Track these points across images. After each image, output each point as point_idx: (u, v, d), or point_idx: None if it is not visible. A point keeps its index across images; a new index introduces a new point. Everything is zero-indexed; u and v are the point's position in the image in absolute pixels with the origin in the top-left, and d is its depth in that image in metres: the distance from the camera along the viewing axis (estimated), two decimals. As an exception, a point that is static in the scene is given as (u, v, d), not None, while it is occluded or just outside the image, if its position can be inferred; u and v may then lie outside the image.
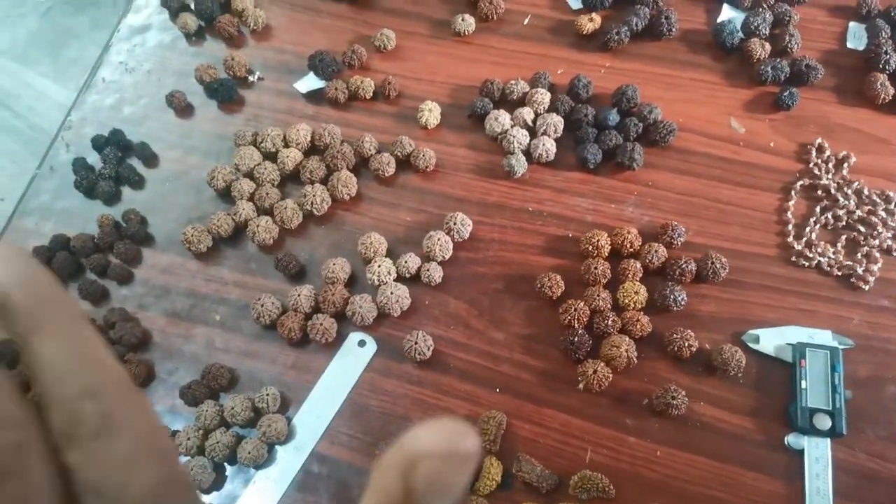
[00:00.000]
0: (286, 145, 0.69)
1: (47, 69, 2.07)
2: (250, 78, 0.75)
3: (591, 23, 0.72)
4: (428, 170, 0.68)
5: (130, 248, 0.67)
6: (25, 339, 0.19)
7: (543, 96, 0.69)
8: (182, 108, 0.74)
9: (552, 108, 0.69)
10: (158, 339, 0.64)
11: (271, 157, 0.69)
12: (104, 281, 0.67)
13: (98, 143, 0.72)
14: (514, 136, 0.67)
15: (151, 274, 0.67)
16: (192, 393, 0.60)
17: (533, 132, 0.68)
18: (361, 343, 0.62)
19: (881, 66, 0.66)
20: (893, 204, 0.62)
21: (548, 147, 0.67)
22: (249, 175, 0.69)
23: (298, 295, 0.62)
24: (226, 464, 0.59)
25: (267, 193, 0.67)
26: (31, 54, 2.09)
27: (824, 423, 0.54)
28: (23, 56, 2.10)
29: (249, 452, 0.57)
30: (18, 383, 0.21)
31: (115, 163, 0.71)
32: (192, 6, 0.79)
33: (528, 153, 0.68)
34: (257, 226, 0.65)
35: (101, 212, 0.69)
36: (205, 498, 0.57)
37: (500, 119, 0.68)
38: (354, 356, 0.62)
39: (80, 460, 0.19)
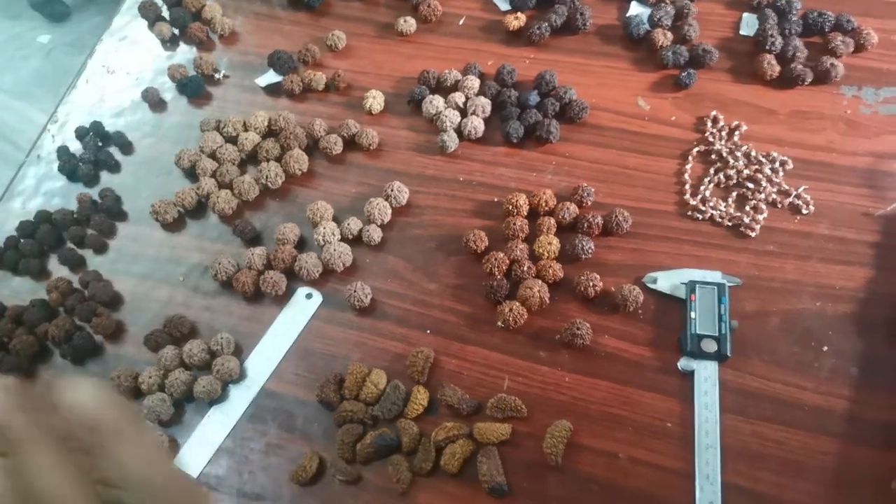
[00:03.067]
0: (245, 130, 0.78)
1: (49, 106, 2.18)
2: (216, 75, 0.84)
3: (517, 21, 0.81)
4: (371, 148, 0.77)
5: (105, 221, 0.75)
6: (100, 447, 0.26)
7: (473, 82, 0.78)
8: (155, 102, 0.84)
9: (481, 92, 0.78)
10: (128, 297, 0.72)
11: (232, 140, 0.78)
12: (82, 250, 0.75)
13: (80, 133, 0.81)
14: (446, 117, 0.76)
15: (124, 243, 0.75)
16: (155, 339, 0.67)
17: (464, 113, 0.77)
18: (308, 296, 0.69)
19: (768, 47, 0.75)
20: (777, 163, 0.70)
21: (476, 125, 0.75)
22: (212, 156, 0.77)
23: (252, 254, 0.70)
24: (185, 402, 0.66)
25: (227, 170, 0.75)
26: (34, 92, 2.21)
27: (711, 347, 0.61)
28: (26, 94, 2.22)
29: (204, 387, 0.64)
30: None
31: (95, 149, 0.80)
32: (167, 16, 0.89)
33: (459, 131, 0.76)
34: (218, 197, 0.73)
35: (82, 192, 0.78)
36: (165, 430, 0.64)
37: (435, 102, 0.77)
38: (302, 307, 0.69)
39: None
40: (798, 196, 0.68)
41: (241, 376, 0.66)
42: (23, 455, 0.26)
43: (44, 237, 0.74)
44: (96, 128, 0.81)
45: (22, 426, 0.26)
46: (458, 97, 0.77)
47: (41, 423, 0.26)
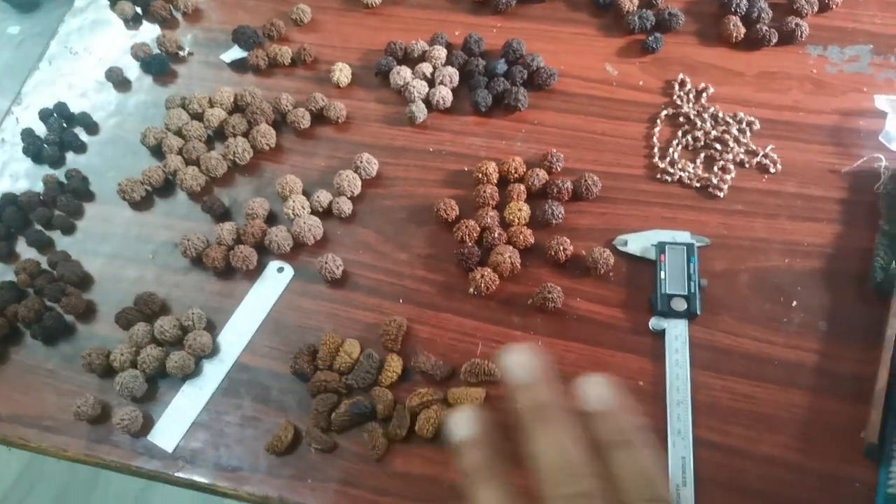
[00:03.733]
0: (211, 106, 0.77)
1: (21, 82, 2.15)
2: (181, 53, 0.83)
3: (483, -11, 0.81)
4: (340, 121, 0.76)
5: (72, 202, 0.74)
6: (610, 446, 0.29)
7: (440, 52, 0.77)
8: (120, 81, 0.82)
9: (448, 62, 0.77)
10: (98, 277, 0.71)
11: (198, 117, 0.77)
12: (49, 231, 0.74)
13: (44, 115, 0.80)
14: (414, 87, 0.75)
15: (92, 224, 0.74)
16: (126, 317, 0.66)
17: (432, 83, 0.77)
18: (280, 269, 0.69)
19: (733, 9, 0.75)
20: (745, 123, 0.70)
21: (444, 95, 0.75)
22: (178, 133, 0.76)
23: (221, 229, 0.69)
24: (158, 378, 0.65)
25: (194, 147, 0.74)
26: (4, 83, 2.18)
27: (680, 305, 0.62)
28: (-3, 86, 2.19)
29: (176, 362, 0.63)
30: None
31: (59, 130, 0.79)
32: (130, -6, 0.87)
33: (427, 102, 0.76)
34: (185, 174, 0.73)
35: (48, 173, 0.77)
36: (138, 406, 0.63)
37: (402, 73, 0.76)
38: (274, 281, 0.69)
39: None
40: (765, 155, 0.68)
41: (213, 351, 0.65)
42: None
43: (10, 219, 0.73)
44: (60, 109, 0.80)
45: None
46: (426, 67, 0.77)
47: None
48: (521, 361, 0.32)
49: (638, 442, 0.29)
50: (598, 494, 0.28)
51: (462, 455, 0.31)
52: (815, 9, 0.74)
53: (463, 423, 0.32)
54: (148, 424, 0.63)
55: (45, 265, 0.71)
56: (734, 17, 0.74)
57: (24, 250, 0.73)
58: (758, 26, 0.73)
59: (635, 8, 0.77)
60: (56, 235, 0.74)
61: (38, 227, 0.74)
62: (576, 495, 0.27)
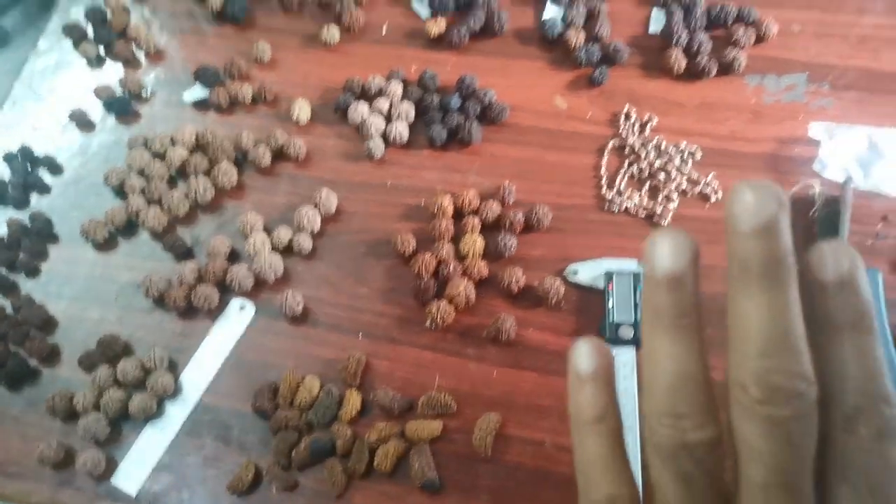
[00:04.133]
0: (173, 145, 0.79)
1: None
2: (143, 94, 0.85)
3: (436, 27, 0.83)
4: (300, 158, 0.78)
5: (36, 244, 0.75)
6: (853, 328, 0.22)
7: (397, 87, 0.79)
8: (84, 123, 0.84)
9: (404, 97, 0.79)
10: (62, 319, 0.72)
11: (160, 156, 0.79)
12: (13, 275, 0.75)
13: (8, 158, 0.81)
14: (371, 123, 0.77)
15: (56, 265, 0.75)
16: (89, 360, 0.67)
17: (389, 119, 0.79)
18: (242, 307, 0.71)
19: (675, 42, 0.78)
20: (687, 153, 0.73)
21: (401, 130, 0.77)
22: (140, 173, 0.78)
23: (183, 269, 0.71)
24: (121, 420, 0.66)
25: (156, 187, 0.76)
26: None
27: (628, 333, 0.64)
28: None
29: (138, 404, 0.64)
30: None
31: (24, 173, 0.80)
32: (92, 36, 0.89)
33: (385, 137, 0.78)
34: (147, 214, 0.74)
35: (12, 216, 0.78)
36: (102, 449, 0.64)
37: (360, 109, 0.78)
38: (235, 319, 0.70)
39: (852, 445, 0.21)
40: (707, 184, 0.71)
41: (176, 392, 0.67)
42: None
43: (-28, 264, 0.74)
44: (24, 152, 0.81)
45: None
46: (383, 103, 0.79)
47: None
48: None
49: (868, 329, 0.22)
50: (812, 380, 0.21)
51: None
52: (753, 40, 0.78)
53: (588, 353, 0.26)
54: (112, 467, 0.64)
55: (9, 309, 0.72)
56: (676, 50, 0.77)
57: None
58: (698, 59, 0.76)
59: (582, 43, 0.80)
60: (20, 278, 0.75)
61: (2, 270, 0.75)
62: (790, 374, 0.21)
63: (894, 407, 0.21)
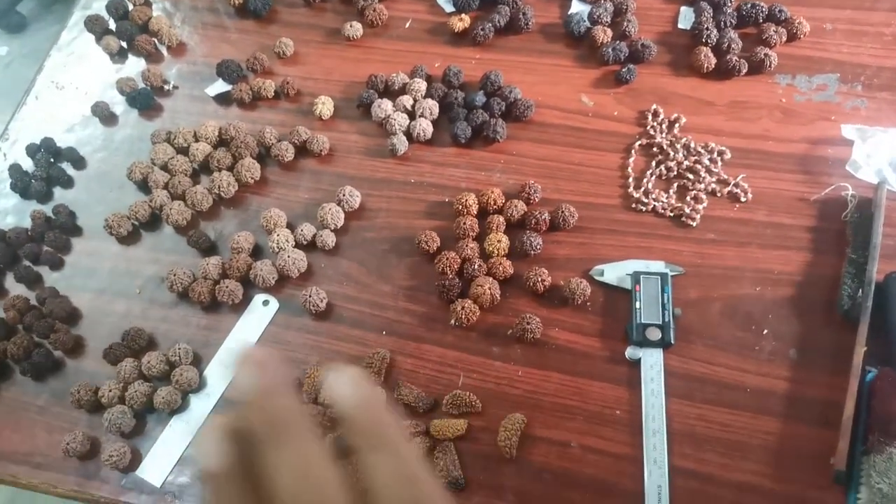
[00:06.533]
0: (196, 140, 0.79)
1: (6, 118, 2.15)
2: (166, 87, 0.85)
3: (461, 22, 0.83)
4: (323, 154, 0.78)
5: (60, 237, 0.75)
6: (362, 451, 0.25)
7: (420, 84, 0.79)
8: (106, 116, 0.84)
9: (428, 94, 0.79)
10: (86, 312, 0.72)
11: (184, 151, 0.79)
12: (37, 267, 0.75)
13: (31, 150, 0.81)
14: (395, 120, 0.77)
15: (79, 259, 0.76)
16: (113, 353, 0.67)
17: (412, 115, 0.78)
18: (265, 303, 0.70)
19: (704, 40, 0.77)
20: (716, 153, 0.72)
21: (424, 127, 0.77)
22: (164, 167, 0.78)
23: (207, 264, 0.71)
24: (146, 413, 0.66)
25: (179, 182, 0.76)
26: (-6, 104, 2.18)
27: (655, 335, 0.63)
28: (-16, 106, 2.19)
29: (164, 398, 0.65)
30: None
31: (47, 166, 0.80)
32: (114, 29, 0.89)
33: (408, 134, 0.77)
34: (171, 209, 0.74)
35: (36, 209, 0.78)
36: (127, 442, 0.64)
37: (384, 106, 0.78)
38: (259, 314, 0.70)
39: None
40: (736, 185, 0.70)
41: (200, 385, 0.67)
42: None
43: (-2, 256, 0.74)
44: (47, 144, 0.81)
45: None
46: (406, 100, 0.78)
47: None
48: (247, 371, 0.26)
49: (392, 441, 0.25)
50: None
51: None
52: (784, 39, 0.77)
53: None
54: (136, 459, 0.64)
55: (33, 301, 0.72)
56: (705, 48, 0.76)
57: (13, 286, 0.74)
58: (728, 57, 0.75)
59: (609, 40, 0.79)
60: (44, 271, 0.75)
61: (27, 262, 0.75)
62: None
63: None
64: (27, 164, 0.81)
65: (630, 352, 0.64)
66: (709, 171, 0.71)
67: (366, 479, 0.24)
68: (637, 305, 0.65)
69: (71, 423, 0.66)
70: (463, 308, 0.66)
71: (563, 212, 0.70)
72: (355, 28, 0.84)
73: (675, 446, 0.59)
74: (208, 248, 0.74)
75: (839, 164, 0.70)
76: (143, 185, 0.78)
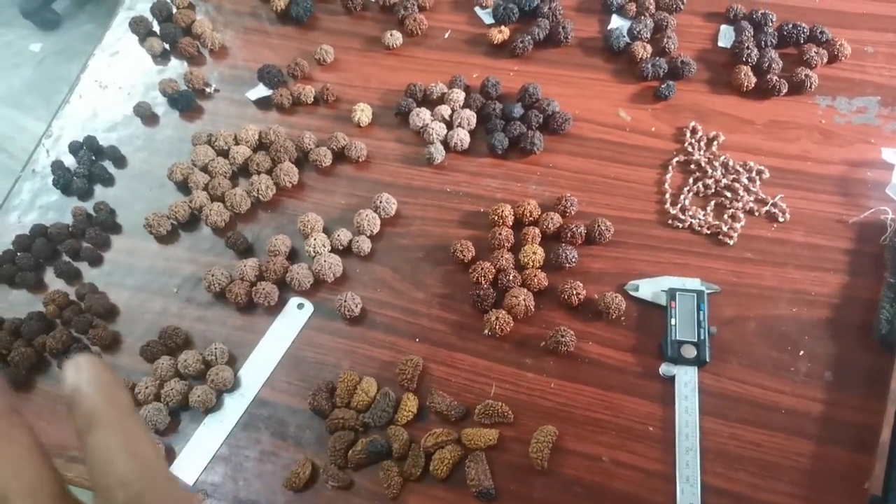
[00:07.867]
0: (237, 143, 0.80)
1: (42, 114, 2.18)
2: (207, 90, 0.86)
3: (500, 34, 0.83)
4: (360, 160, 0.79)
5: (100, 235, 0.77)
6: (83, 433, 0.23)
7: (459, 95, 0.80)
8: (148, 116, 0.85)
9: (466, 104, 0.80)
10: (124, 309, 0.73)
11: (224, 154, 0.80)
12: (77, 263, 0.76)
13: (74, 148, 0.83)
14: (433, 129, 0.78)
15: (118, 256, 0.77)
16: (150, 350, 0.68)
17: (450, 125, 0.79)
18: (300, 306, 0.71)
19: (745, 59, 0.77)
20: (754, 172, 0.72)
21: (462, 137, 0.77)
22: (204, 169, 0.79)
23: (244, 266, 0.72)
24: (180, 410, 0.67)
25: (219, 183, 0.77)
26: (26, 100, 2.22)
27: (690, 352, 0.63)
28: (19, 102, 2.22)
29: (199, 397, 0.65)
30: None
31: (88, 163, 0.81)
32: (158, 31, 0.90)
33: (445, 143, 0.78)
34: (210, 210, 0.75)
35: (77, 206, 0.79)
36: (161, 439, 0.65)
37: (422, 115, 0.79)
38: (294, 317, 0.71)
39: None
40: (774, 204, 0.70)
41: (235, 385, 0.67)
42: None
43: (40, 250, 0.76)
44: (90, 142, 0.83)
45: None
46: (444, 110, 0.79)
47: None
48: None
49: (103, 423, 0.24)
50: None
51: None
52: (825, 60, 0.76)
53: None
54: (170, 456, 0.65)
55: (73, 296, 0.73)
56: (745, 67, 0.76)
57: (53, 280, 0.76)
58: (768, 76, 0.75)
59: (648, 55, 0.79)
60: (83, 267, 0.76)
61: (67, 258, 0.76)
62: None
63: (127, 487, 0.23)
64: (69, 161, 0.83)
65: (664, 368, 0.64)
66: (747, 189, 0.71)
67: (87, 460, 0.23)
68: (672, 322, 0.65)
69: (107, 417, 0.67)
70: (497, 318, 0.66)
71: (599, 226, 0.70)
72: (395, 37, 0.85)
73: (706, 464, 0.59)
74: (245, 250, 0.75)
75: (879, 188, 0.70)
76: (183, 186, 0.79)
